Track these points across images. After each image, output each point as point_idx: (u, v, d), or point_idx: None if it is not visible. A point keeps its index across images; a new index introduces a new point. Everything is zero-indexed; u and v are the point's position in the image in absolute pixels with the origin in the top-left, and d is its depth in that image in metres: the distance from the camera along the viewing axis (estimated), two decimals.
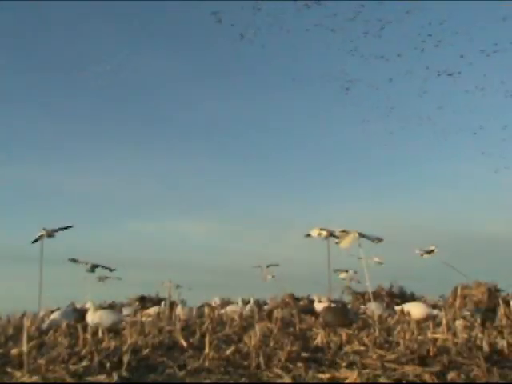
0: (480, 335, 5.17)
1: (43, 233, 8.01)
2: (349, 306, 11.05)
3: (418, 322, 6.77)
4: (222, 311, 10.49)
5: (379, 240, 7.45)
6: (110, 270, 9.22)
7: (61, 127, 32.90)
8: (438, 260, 8.68)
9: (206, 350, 4.28)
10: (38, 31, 29.18)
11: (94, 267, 8.83)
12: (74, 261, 8.47)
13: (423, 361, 3.87)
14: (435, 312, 7.96)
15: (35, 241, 8.03)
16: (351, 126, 29.07)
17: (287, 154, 34.15)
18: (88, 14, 27.79)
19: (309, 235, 8.34)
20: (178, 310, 10.32)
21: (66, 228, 8.67)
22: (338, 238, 7.73)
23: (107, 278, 10.33)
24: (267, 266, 12.04)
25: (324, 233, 7.93)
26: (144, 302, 14.01)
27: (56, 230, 8.26)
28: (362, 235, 7.22)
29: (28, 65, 30.42)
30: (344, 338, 5.17)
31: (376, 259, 10.10)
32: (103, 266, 9.02)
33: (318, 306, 9.55)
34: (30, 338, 5.10)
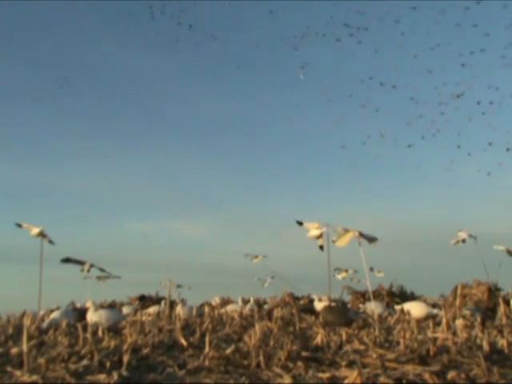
0: (480, 334, 5.17)
1: None
2: (349, 306, 11.06)
3: (418, 322, 6.77)
4: (222, 310, 10.50)
5: (374, 240, 7.42)
6: (102, 270, 9.27)
7: (60, 127, 32.93)
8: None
9: (206, 349, 4.28)
10: (37, 31, 29.16)
11: (90, 267, 8.86)
12: (67, 261, 8.49)
13: (423, 360, 3.87)
14: (435, 311, 7.96)
15: None
16: (351, 125, 29.09)
17: (288, 154, 34.22)
18: (86, 14, 27.78)
19: (300, 223, 8.24)
20: (178, 309, 10.34)
21: None
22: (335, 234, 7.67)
23: (107, 277, 10.34)
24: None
25: (318, 232, 7.86)
26: (144, 301, 14.04)
27: None
28: (361, 235, 7.19)
29: (27, 64, 30.42)
30: (344, 337, 5.16)
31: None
32: (98, 267, 9.06)
33: (318, 305, 9.55)
34: (29, 337, 5.10)
